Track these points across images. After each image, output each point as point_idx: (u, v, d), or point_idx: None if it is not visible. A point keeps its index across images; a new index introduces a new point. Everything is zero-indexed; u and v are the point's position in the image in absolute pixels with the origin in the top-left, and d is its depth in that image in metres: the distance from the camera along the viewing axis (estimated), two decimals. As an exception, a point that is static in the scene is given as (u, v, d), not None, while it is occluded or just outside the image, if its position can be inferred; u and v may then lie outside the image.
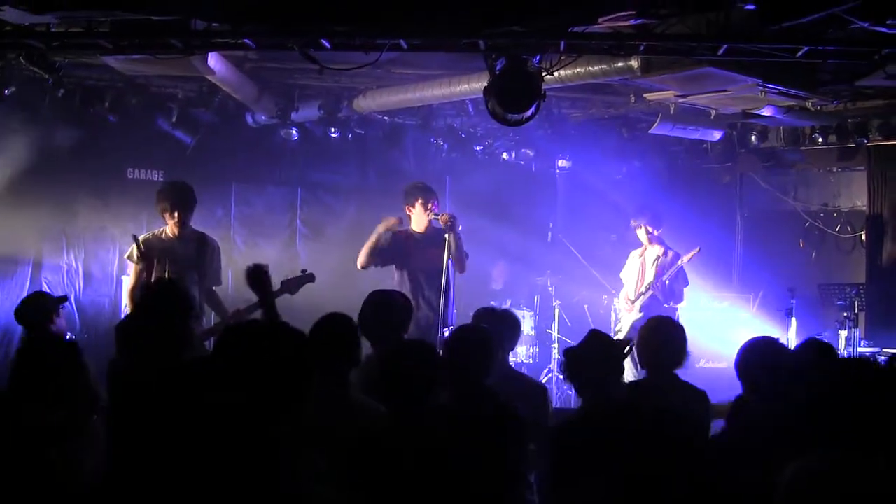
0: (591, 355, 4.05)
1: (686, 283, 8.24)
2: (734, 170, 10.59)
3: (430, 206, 7.22)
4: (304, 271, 6.48)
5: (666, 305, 8.05)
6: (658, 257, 8.21)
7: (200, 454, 2.79)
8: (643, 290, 8.22)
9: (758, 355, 3.95)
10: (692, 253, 8.13)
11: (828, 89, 7.65)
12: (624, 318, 8.48)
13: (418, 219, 7.29)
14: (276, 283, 6.54)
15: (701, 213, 10.22)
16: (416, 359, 3.71)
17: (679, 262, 8.13)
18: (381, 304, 4.91)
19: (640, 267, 8.39)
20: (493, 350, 4.21)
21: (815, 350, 4.09)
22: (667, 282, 8.12)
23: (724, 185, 10.82)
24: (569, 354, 4.11)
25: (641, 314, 8.04)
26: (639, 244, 8.47)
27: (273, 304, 4.73)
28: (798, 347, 4.28)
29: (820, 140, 9.16)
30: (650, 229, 8.28)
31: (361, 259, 7.25)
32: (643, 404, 4.13)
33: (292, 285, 6.35)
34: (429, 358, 3.77)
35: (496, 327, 4.70)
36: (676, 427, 3.22)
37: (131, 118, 8.71)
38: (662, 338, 4.71)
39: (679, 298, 8.18)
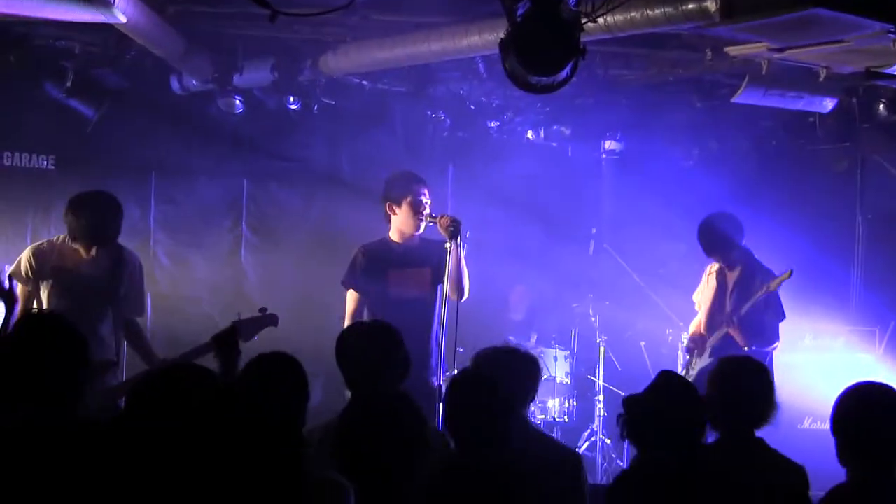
0: (662, 407, 4.03)
1: (781, 317, 8.09)
2: (853, 153, 10.53)
3: (422, 204, 7.15)
4: (262, 310, 6.44)
5: (746, 349, 7.89)
6: (739, 279, 8.09)
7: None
8: (719, 325, 8.10)
9: (870, 411, 3.94)
10: (781, 278, 7.95)
11: None
12: (694, 363, 8.39)
13: (403, 223, 7.22)
14: (214, 317, 6.56)
15: (804, 215, 10.17)
16: (392, 417, 3.71)
17: (762, 291, 7.97)
18: (380, 336, 4.99)
19: (716, 289, 8.27)
20: (508, 405, 4.28)
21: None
22: (742, 313, 7.97)
23: (839, 175, 10.76)
24: (631, 404, 4.11)
25: (711, 359, 7.88)
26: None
27: (235, 370, 4.75)
28: None
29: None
30: (724, 259, 8.19)
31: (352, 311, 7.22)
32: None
33: (246, 330, 6.30)
34: (415, 411, 3.78)
35: (501, 375, 4.65)
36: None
37: (8, 83, 8.69)
38: (738, 385, 4.69)
39: (769, 339, 8.01)
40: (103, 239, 6.67)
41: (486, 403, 4.22)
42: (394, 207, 7.21)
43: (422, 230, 7.18)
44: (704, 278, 8.45)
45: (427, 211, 7.14)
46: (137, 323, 6.88)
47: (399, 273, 7.11)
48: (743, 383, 4.70)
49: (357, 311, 7.16)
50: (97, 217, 6.63)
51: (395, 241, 7.25)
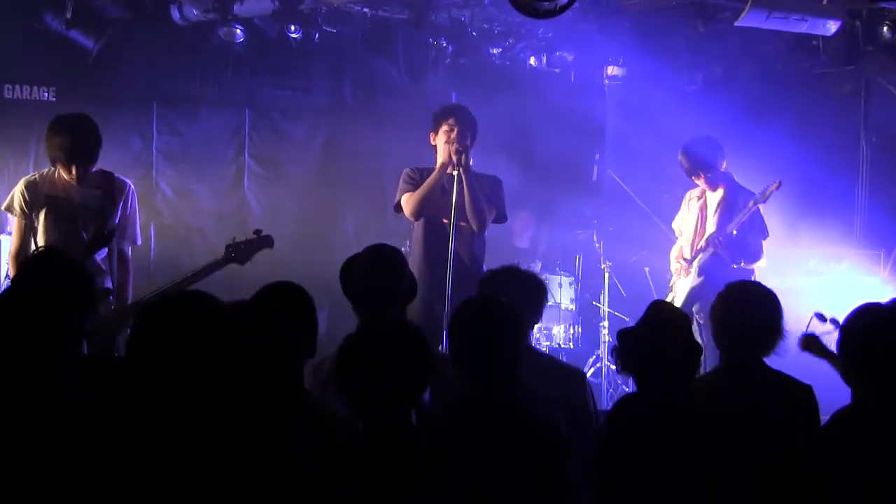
0: (657, 338, 4.03)
1: (764, 235, 8.23)
2: (857, 76, 10.48)
3: (454, 132, 7.20)
4: (257, 232, 6.53)
5: (735, 266, 8.06)
6: (722, 200, 8.21)
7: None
8: (703, 244, 8.22)
9: (877, 331, 3.96)
10: (770, 189, 8.07)
11: None
12: (678, 284, 8.49)
13: (439, 152, 7.34)
14: (218, 247, 6.60)
15: (809, 139, 10.15)
16: (398, 346, 3.70)
17: (751, 205, 8.09)
18: (384, 262, 5.04)
19: (698, 213, 8.40)
20: (517, 329, 4.21)
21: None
22: (733, 233, 8.10)
23: (843, 99, 10.73)
24: (625, 337, 4.11)
25: (700, 278, 8.13)
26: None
27: None
28: None
29: None
30: (708, 177, 8.25)
31: (410, 207, 7.28)
32: (723, 408, 4.16)
33: (241, 252, 6.38)
34: (417, 342, 3.76)
35: (508, 295, 4.59)
36: (767, 441, 3.24)
37: (7, 16, 8.64)
38: (746, 311, 4.68)
39: (754, 256, 8.17)
40: (82, 157, 6.57)
41: (494, 328, 4.11)
42: (434, 138, 7.35)
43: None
44: (685, 204, 8.56)
45: (454, 139, 7.20)
46: (124, 252, 6.81)
47: (446, 197, 7.14)
48: (751, 309, 4.68)
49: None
50: (72, 135, 6.55)
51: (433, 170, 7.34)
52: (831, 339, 4.73)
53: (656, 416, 4.03)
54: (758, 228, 8.20)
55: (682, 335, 4.13)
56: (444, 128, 7.28)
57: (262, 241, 6.48)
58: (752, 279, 7.76)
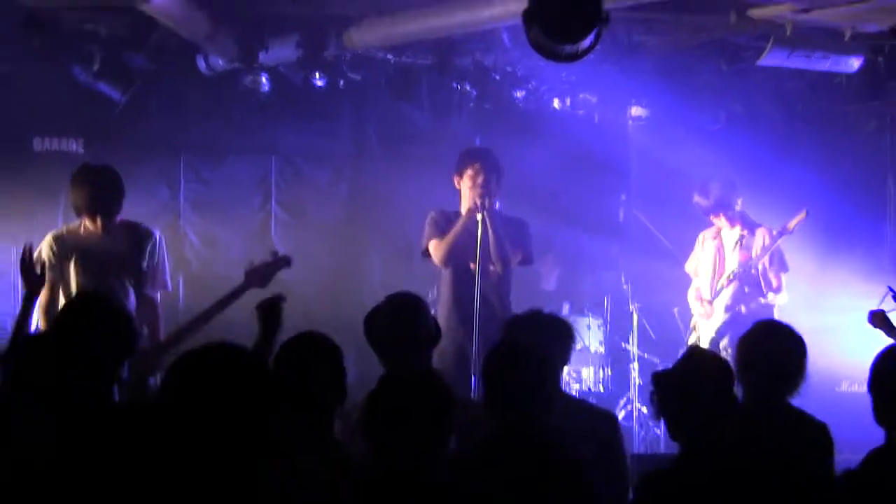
0: (694, 383, 4.04)
1: (784, 269, 8.32)
2: (882, 112, 10.47)
3: (479, 177, 7.24)
4: (274, 254, 6.53)
5: (763, 300, 8.10)
6: (741, 238, 8.27)
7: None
8: (724, 282, 8.25)
9: None
10: (797, 219, 8.16)
11: None
12: (701, 325, 8.50)
13: (466, 195, 7.39)
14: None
15: (834, 176, 10.13)
16: (420, 394, 3.73)
17: (775, 234, 8.18)
18: (405, 311, 5.07)
19: (715, 252, 8.46)
20: (547, 373, 4.27)
21: None
22: (761, 268, 8.15)
23: (868, 135, 10.71)
24: (661, 381, 4.11)
25: (727, 315, 8.19)
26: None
27: (272, 342, 4.83)
28: None
29: None
30: (728, 215, 8.33)
31: (439, 254, 7.33)
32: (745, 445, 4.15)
33: (261, 275, 6.37)
34: (439, 390, 3.79)
35: (535, 340, 4.73)
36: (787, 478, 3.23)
37: (37, 67, 8.75)
38: (772, 351, 4.71)
39: (776, 291, 8.25)
40: (105, 207, 6.68)
41: (523, 374, 4.20)
42: (458, 182, 7.43)
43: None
44: (698, 245, 8.68)
45: (479, 185, 7.25)
46: (153, 299, 6.88)
47: (472, 241, 7.15)
48: (777, 349, 4.71)
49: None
50: (94, 186, 6.66)
51: (459, 214, 7.40)
52: None
53: (691, 459, 4.02)
54: (778, 263, 8.33)
55: (718, 383, 4.12)
56: (469, 172, 7.32)
57: (279, 262, 6.44)
58: (774, 316, 7.78)
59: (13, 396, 4.08)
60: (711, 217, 8.44)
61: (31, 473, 3.61)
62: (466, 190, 7.34)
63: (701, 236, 8.68)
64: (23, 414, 3.97)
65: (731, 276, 8.26)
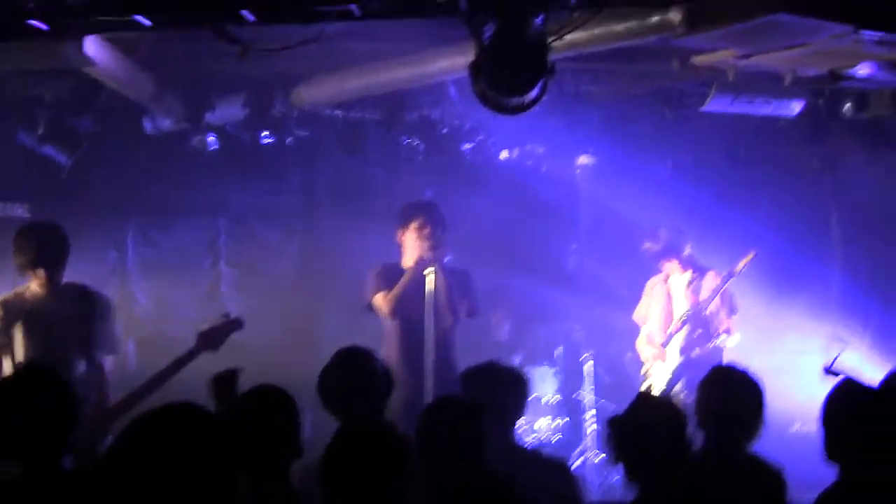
0: (648, 427, 4.04)
1: (734, 311, 8.39)
2: (824, 154, 10.58)
3: (426, 230, 7.27)
4: (225, 315, 6.49)
5: (715, 342, 8.19)
6: (691, 281, 8.36)
7: None
8: (677, 325, 8.32)
9: (860, 404, 4.01)
10: (745, 260, 8.30)
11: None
12: (654, 371, 8.55)
13: (411, 249, 7.42)
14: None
15: (780, 219, 10.23)
16: (378, 441, 3.75)
17: (726, 276, 8.26)
18: (354, 365, 5.11)
19: (664, 297, 8.53)
20: (478, 429, 4.32)
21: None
22: (712, 310, 8.24)
23: (812, 176, 10.80)
24: (615, 425, 4.10)
25: (681, 358, 8.28)
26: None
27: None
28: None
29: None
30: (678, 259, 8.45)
31: (388, 306, 7.33)
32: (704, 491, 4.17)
33: (213, 338, 6.31)
34: (394, 440, 3.81)
35: (491, 393, 4.83)
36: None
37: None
38: (731, 398, 4.73)
39: (727, 332, 8.34)
40: (49, 261, 6.50)
41: (460, 430, 4.30)
42: (402, 236, 7.53)
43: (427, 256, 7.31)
44: (647, 292, 8.77)
45: (426, 237, 7.29)
46: (100, 364, 6.68)
47: (418, 295, 7.25)
48: (735, 395, 4.73)
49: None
50: (36, 239, 6.53)
51: (404, 268, 7.45)
52: None
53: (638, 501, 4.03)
54: (728, 306, 8.42)
55: (671, 428, 4.14)
56: (414, 225, 7.39)
57: (230, 325, 6.40)
58: (724, 358, 7.85)
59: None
60: (662, 262, 8.52)
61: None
62: (411, 243, 7.39)
63: (650, 283, 8.78)
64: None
65: (683, 319, 8.32)
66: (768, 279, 9.05)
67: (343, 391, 5.00)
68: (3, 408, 4.17)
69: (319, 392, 5.07)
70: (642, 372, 8.75)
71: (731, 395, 4.74)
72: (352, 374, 5.05)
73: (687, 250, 8.54)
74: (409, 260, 7.43)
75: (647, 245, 8.60)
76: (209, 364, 5.57)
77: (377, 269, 7.49)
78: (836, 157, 10.62)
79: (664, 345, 8.45)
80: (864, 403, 4.03)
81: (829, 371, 6.23)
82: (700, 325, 8.28)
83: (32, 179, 9.22)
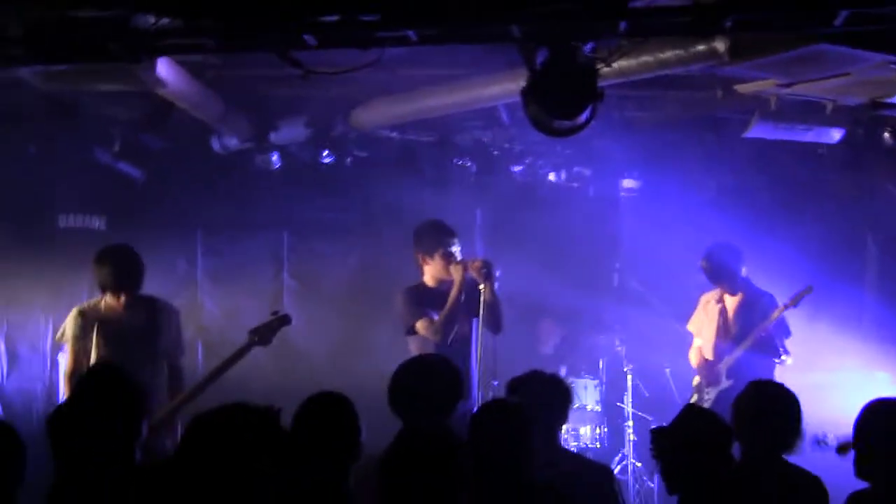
0: (694, 439, 3.99)
1: (788, 334, 8.21)
2: (862, 181, 10.44)
3: (453, 255, 7.26)
4: (274, 313, 6.73)
5: (775, 363, 8.01)
6: (743, 303, 8.22)
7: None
8: (744, 347, 8.13)
9: (887, 427, 3.96)
10: (802, 294, 8.10)
11: None
12: (704, 386, 8.39)
13: (438, 272, 7.38)
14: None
15: (819, 243, 10.13)
16: (430, 449, 3.72)
17: (780, 309, 8.08)
18: (422, 373, 5.09)
19: (718, 316, 8.36)
20: (527, 430, 4.33)
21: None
22: (762, 335, 8.06)
23: (850, 203, 10.66)
24: (661, 435, 4.07)
25: (730, 382, 8.05)
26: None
27: None
28: None
29: None
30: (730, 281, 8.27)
31: (440, 333, 7.18)
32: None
33: (264, 334, 6.55)
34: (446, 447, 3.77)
35: (539, 399, 4.87)
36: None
37: (59, 150, 8.78)
38: (765, 411, 4.65)
39: (784, 355, 8.15)
40: (127, 285, 6.87)
41: (507, 429, 4.31)
42: (426, 259, 7.36)
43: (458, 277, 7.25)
44: (701, 307, 8.60)
45: (457, 259, 7.26)
46: (179, 369, 7.06)
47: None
48: (774, 410, 4.66)
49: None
50: (117, 265, 6.88)
51: (430, 286, 7.40)
52: None
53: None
54: (783, 329, 8.23)
55: (715, 439, 4.07)
56: (454, 246, 7.36)
57: (279, 321, 6.67)
58: (774, 376, 7.68)
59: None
60: (717, 283, 8.36)
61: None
62: (440, 262, 7.31)
63: (703, 298, 8.59)
64: (57, 477, 4.03)
65: (750, 342, 8.12)
66: (804, 301, 8.88)
67: (416, 395, 4.97)
68: (82, 400, 4.28)
69: (391, 391, 5.00)
70: (694, 384, 8.60)
71: (767, 408, 4.66)
72: (425, 378, 5.03)
73: (743, 272, 8.37)
74: (434, 279, 7.38)
75: (703, 264, 8.43)
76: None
77: (407, 295, 7.39)
78: (874, 184, 10.47)
79: (717, 362, 8.28)
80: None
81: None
82: (758, 347, 8.10)
83: (109, 194, 9.35)
